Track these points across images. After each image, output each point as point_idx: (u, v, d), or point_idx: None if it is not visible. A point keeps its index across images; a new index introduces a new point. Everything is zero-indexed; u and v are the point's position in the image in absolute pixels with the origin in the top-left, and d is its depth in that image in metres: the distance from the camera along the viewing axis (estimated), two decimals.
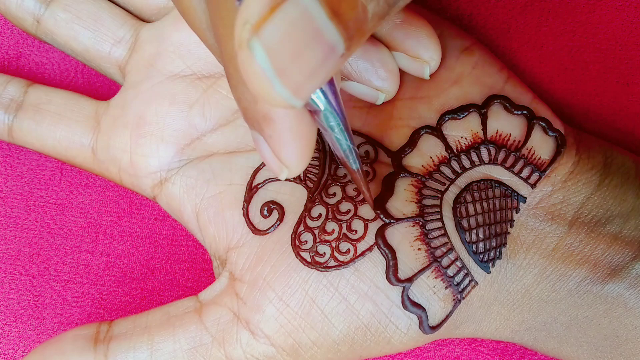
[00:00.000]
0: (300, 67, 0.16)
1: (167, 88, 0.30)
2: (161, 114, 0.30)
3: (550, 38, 0.32)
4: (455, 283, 0.26)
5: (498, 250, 0.26)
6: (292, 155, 0.21)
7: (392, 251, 0.26)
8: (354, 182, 0.25)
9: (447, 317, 0.26)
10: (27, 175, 0.34)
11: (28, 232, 0.33)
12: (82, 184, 0.34)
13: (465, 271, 0.26)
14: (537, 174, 0.27)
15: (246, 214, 0.28)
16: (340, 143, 0.23)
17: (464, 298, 0.26)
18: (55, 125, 0.31)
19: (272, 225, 0.27)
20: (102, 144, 0.30)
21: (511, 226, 0.27)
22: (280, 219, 0.27)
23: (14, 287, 0.32)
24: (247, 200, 0.28)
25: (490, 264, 0.26)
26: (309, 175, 0.28)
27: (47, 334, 0.32)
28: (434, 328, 0.26)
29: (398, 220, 0.26)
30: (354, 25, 0.17)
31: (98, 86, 0.34)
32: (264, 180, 0.28)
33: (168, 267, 0.33)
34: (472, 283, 0.26)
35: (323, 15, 0.16)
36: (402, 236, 0.26)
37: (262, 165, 0.28)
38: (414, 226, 0.26)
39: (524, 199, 0.27)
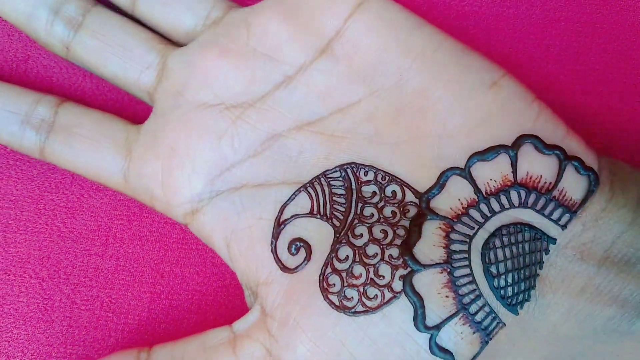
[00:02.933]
0: None
1: (196, 118, 0.30)
2: (192, 146, 0.29)
3: (556, 39, 0.31)
4: (482, 328, 0.26)
5: (527, 293, 0.26)
6: None
7: (420, 299, 0.26)
8: None
9: (474, 358, 0.27)
10: (37, 179, 0.34)
11: (38, 235, 0.33)
12: (92, 187, 0.34)
13: (493, 315, 0.26)
14: (568, 215, 0.26)
15: (274, 251, 0.28)
16: None
17: (490, 339, 0.26)
18: (87, 150, 0.31)
19: (300, 264, 0.27)
20: (133, 172, 0.30)
21: (540, 268, 0.27)
22: (308, 257, 0.27)
23: (23, 290, 0.33)
24: (275, 236, 0.28)
25: (519, 307, 0.26)
26: (335, 213, 0.28)
27: (56, 337, 0.33)
28: None
29: (426, 266, 0.26)
30: None
31: (107, 90, 0.34)
32: (291, 216, 0.28)
33: (177, 271, 0.33)
34: (500, 325, 0.26)
35: None
36: (430, 283, 0.26)
37: (290, 200, 0.28)
38: (441, 273, 0.26)
39: (554, 241, 0.26)
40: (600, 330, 0.27)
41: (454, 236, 0.26)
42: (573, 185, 0.27)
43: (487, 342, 0.26)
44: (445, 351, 0.26)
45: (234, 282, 0.33)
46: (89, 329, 0.33)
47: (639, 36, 0.31)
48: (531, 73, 0.31)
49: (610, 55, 0.31)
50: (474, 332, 0.26)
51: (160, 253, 0.33)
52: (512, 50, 0.31)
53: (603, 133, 0.31)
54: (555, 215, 0.27)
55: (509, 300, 0.26)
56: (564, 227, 0.27)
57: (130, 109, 0.34)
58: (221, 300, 0.33)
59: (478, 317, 0.26)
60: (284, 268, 0.28)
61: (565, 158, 0.27)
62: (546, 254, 0.27)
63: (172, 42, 0.32)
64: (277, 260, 0.28)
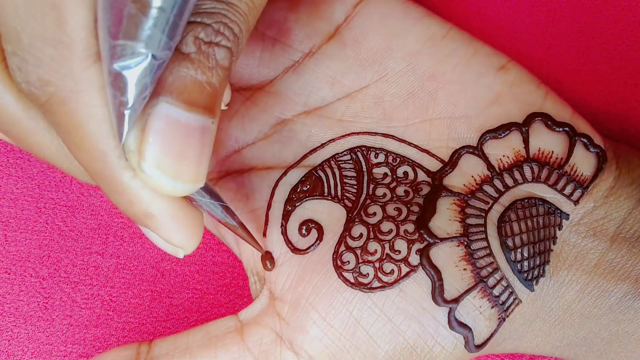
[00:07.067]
0: (189, 163, 0.20)
1: None
2: None
3: (557, 39, 0.32)
4: (500, 302, 0.26)
5: (542, 268, 0.26)
6: (183, 238, 0.22)
7: (438, 272, 0.26)
8: (240, 237, 0.26)
9: (492, 335, 0.26)
10: (37, 177, 0.34)
11: (38, 234, 0.33)
12: (92, 185, 0.33)
13: (510, 290, 0.26)
14: (580, 190, 0.27)
15: (284, 233, 0.28)
16: (214, 209, 0.24)
17: (507, 316, 0.26)
18: None
19: (312, 245, 0.27)
20: None
21: (554, 243, 0.27)
22: (320, 238, 0.27)
23: (24, 288, 0.32)
24: (285, 218, 0.28)
25: (534, 282, 0.26)
26: (347, 195, 0.28)
27: (56, 336, 0.32)
28: (479, 347, 0.26)
29: (442, 240, 0.26)
30: (209, 100, 0.20)
31: None
32: (302, 198, 0.28)
33: (178, 269, 0.33)
34: (516, 301, 0.26)
35: (183, 113, 0.19)
36: (447, 256, 0.26)
37: (299, 182, 0.28)
38: (458, 246, 0.26)
39: (567, 216, 0.27)
40: (616, 307, 0.27)
41: (469, 211, 0.26)
42: (583, 161, 0.27)
43: (504, 319, 0.26)
44: (464, 326, 0.26)
45: (234, 281, 0.33)
46: (89, 327, 0.32)
47: (639, 36, 0.32)
48: (532, 72, 0.32)
49: (610, 55, 0.32)
50: (492, 307, 0.26)
51: (161, 251, 0.33)
52: (513, 50, 0.32)
53: (603, 133, 0.32)
54: (567, 190, 0.27)
55: (525, 274, 0.26)
56: (576, 202, 0.27)
57: None
58: (222, 298, 0.33)
59: (496, 291, 0.26)
60: (295, 249, 0.27)
61: (575, 134, 0.27)
62: (559, 230, 0.27)
63: None
64: (288, 242, 0.27)
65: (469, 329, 0.26)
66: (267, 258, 0.27)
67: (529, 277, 0.26)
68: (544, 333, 0.28)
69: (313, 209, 0.28)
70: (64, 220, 0.33)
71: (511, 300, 0.26)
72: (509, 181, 0.27)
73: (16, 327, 0.32)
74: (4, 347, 0.32)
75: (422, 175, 0.28)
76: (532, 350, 0.28)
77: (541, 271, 0.26)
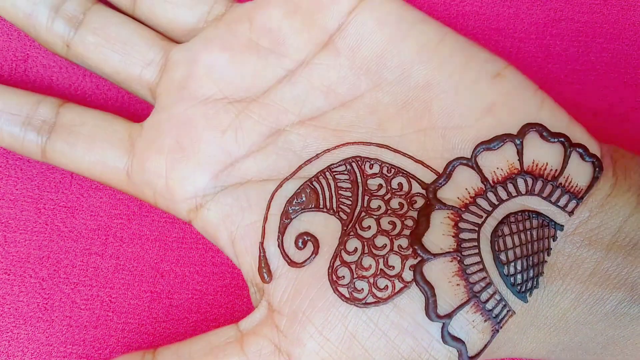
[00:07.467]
0: None
1: (199, 112, 0.29)
2: (195, 140, 0.29)
3: (557, 38, 0.31)
4: (493, 316, 0.26)
5: (535, 280, 0.26)
6: None
7: (431, 288, 0.26)
8: None
9: (486, 347, 0.26)
10: (37, 178, 0.34)
11: (38, 235, 0.33)
12: (92, 186, 0.34)
13: (503, 303, 0.26)
14: (575, 201, 0.27)
15: (281, 246, 0.28)
16: None
17: (501, 328, 0.26)
18: (89, 149, 0.30)
19: (308, 258, 0.27)
20: (137, 167, 0.30)
21: (548, 255, 0.27)
22: (315, 251, 0.27)
23: (23, 289, 0.33)
24: (281, 231, 0.28)
25: (528, 294, 0.26)
26: (342, 207, 0.28)
27: (56, 337, 0.32)
28: (473, 358, 0.26)
29: (436, 255, 0.26)
30: None
31: (107, 89, 0.34)
32: (298, 211, 0.28)
33: (177, 270, 0.33)
34: (510, 313, 0.26)
35: None
36: (440, 272, 0.26)
37: (295, 194, 0.28)
38: (452, 261, 0.26)
39: (562, 227, 0.27)
40: (612, 314, 0.27)
41: (463, 225, 0.26)
42: (578, 171, 0.27)
43: (497, 331, 0.26)
44: (458, 340, 0.26)
45: (234, 282, 0.33)
46: (88, 328, 0.33)
47: (639, 36, 0.31)
48: (531, 73, 0.31)
49: (610, 55, 0.31)
50: (485, 321, 0.26)
51: (160, 252, 0.33)
52: (513, 50, 0.32)
53: (603, 133, 0.32)
54: (561, 202, 0.27)
55: (519, 287, 0.26)
56: (570, 213, 0.27)
57: (131, 108, 0.34)
58: (221, 299, 0.33)
59: (489, 305, 0.26)
60: (292, 262, 0.27)
61: (570, 145, 0.27)
62: (554, 241, 0.27)
63: (173, 40, 0.32)
64: (284, 255, 0.28)
65: (463, 342, 0.26)
66: (266, 268, 0.28)
67: (522, 290, 0.26)
68: (538, 340, 0.28)
69: (309, 221, 0.28)
70: (64, 221, 0.33)
71: (504, 312, 0.26)
72: (502, 194, 0.27)
73: (16, 328, 0.32)
74: (4, 348, 0.32)
75: (416, 187, 0.28)
76: (528, 355, 0.29)
77: (535, 283, 0.26)
